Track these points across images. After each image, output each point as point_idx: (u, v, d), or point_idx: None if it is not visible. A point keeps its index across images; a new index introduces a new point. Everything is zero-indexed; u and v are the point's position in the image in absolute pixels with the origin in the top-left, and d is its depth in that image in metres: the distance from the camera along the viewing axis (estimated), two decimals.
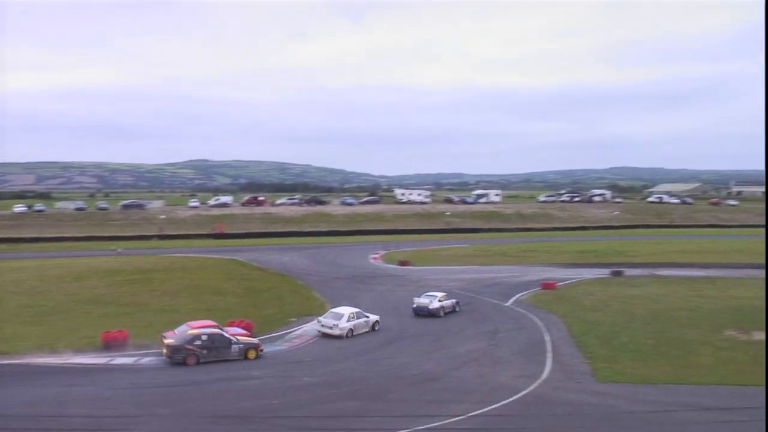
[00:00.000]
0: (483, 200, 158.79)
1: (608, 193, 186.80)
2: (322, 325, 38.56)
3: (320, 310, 43.70)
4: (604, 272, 63.97)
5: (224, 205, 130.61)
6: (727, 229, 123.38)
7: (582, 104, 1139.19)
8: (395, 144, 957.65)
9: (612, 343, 35.65)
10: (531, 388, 27.76)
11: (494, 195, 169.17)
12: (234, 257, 71.75)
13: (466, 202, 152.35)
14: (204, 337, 32.00)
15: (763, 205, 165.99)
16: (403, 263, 70.76)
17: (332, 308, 40.93)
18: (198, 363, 31.38)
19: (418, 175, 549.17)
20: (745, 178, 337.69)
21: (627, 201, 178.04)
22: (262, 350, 33.50)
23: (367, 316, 39.89)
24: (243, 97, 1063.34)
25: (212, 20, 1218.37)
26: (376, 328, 39.80)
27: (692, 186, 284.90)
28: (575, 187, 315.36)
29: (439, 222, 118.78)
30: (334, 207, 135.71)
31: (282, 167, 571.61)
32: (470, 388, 27.76)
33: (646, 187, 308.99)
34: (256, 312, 42.70)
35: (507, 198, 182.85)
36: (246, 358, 32.65)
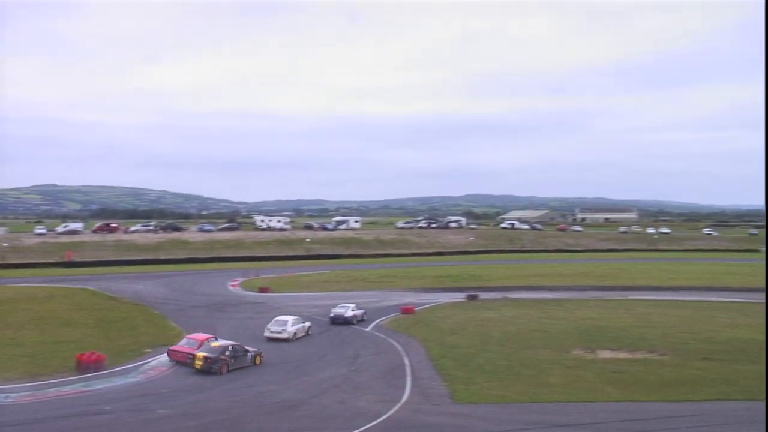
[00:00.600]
0: (343, 227, 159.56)
1: (463, 220, 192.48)
2: (271, 332, 44.75)
3: (177, 340, 42.38)
4: (460, 296, 65.85)
5: (74, 232, 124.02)
6: (572, 254, 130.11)
7: (440, 133, 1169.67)
8: (255, 170, 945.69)
9: (469, 365, 36.63)
10: (391, 412, 28.03)
11: (354, 221, 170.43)
12: (85, 286, 68.29)
13: (326, 229, 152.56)
14: (230, 348, 36.22)
15: (606, 231, 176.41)
16: (262, 290, 69.91)
17: (276, 317, 47.21)
18: (228, 371, 35.06)
19: (279, 202, 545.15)
20: (588, 206, 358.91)
21: (481, 227, 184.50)
22: (263, 356, 38.03)
23: (304, 323, 47.43)
24: (95, 120, 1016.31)
25: (62, 42, 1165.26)
26: (310, 333, 46.91)
27: (541, 213, 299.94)
28: (432, 213, 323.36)
29: (299, 248, 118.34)
30: (192, 234, 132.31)
31: (136, 193, 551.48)
32: (331, 414, 27.70)
33: (499, 213, 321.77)
34: (109, 343, 40.87)
35: (366, 224, 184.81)
36: (255, 364, 37.13)
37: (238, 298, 65.16)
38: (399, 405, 29.22)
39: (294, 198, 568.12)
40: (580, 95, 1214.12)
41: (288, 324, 45.25)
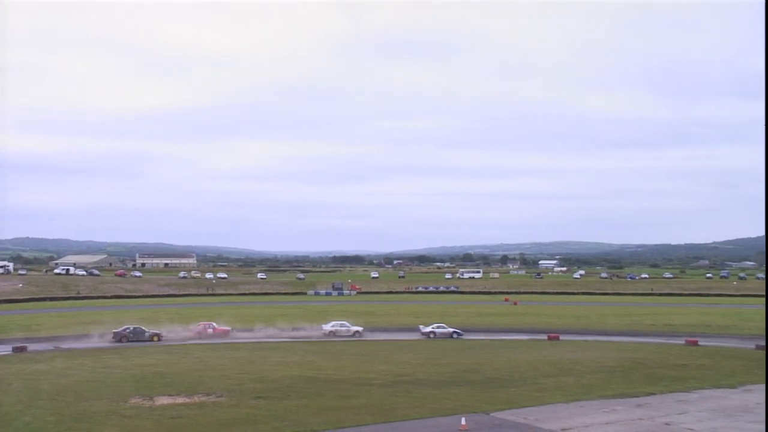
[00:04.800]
0: None
1: (11, 265, 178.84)
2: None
3: None
4: (6, 349, 60.42)
5: None
6: (132, 299, 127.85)
7: None
8: None
9: (13, 425, 33.38)
10: None
11: None
12: None
13: None
14: None
15: (166, 276, 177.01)
16: None
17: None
18: None
19: None
20: (148, 251, 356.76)
21: (32, 273, 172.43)
22: None
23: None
24: None
25: None
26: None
27: (99, 258, 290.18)
28: None
29: None
30: None
31: None
32: None
33: (52, 258, 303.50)
34: None
35: None
36: None
37: None
38: None
39: None
40: (137, 139, 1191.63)
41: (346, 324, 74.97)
